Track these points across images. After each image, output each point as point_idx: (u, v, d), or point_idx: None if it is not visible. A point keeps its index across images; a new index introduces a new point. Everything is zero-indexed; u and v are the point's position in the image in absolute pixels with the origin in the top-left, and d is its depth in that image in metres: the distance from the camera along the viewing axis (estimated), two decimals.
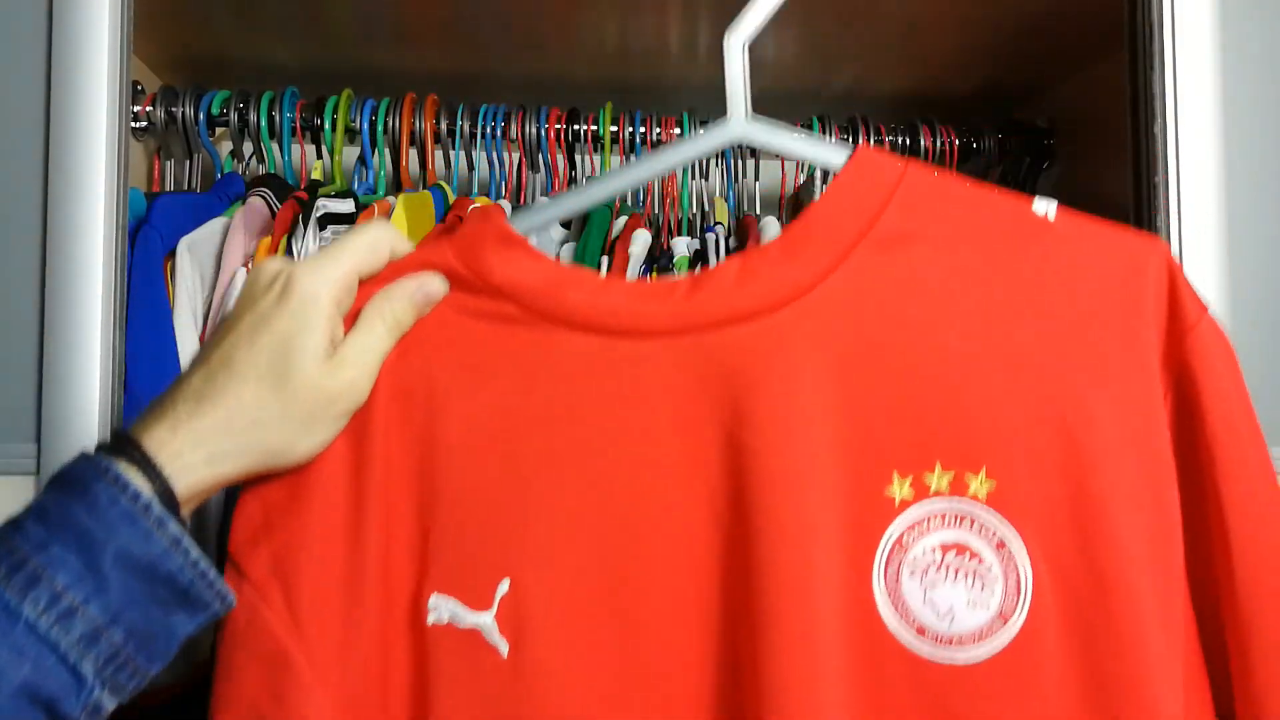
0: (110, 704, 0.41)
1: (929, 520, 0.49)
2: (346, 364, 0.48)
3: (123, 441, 0.44)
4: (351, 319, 0.50)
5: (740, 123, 0.54)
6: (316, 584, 0.48)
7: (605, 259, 0.85)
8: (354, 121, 1.03)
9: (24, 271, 0.71)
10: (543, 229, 0.51)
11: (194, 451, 0.44)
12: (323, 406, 0.47)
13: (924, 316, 0.50)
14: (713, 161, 1.08)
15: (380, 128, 1.03)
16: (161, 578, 0.42)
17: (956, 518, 0.49)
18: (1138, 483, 0.49)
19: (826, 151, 0.54)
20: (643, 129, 1.05)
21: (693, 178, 1.09)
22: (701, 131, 0.57)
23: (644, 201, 1.09)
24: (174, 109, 1.01)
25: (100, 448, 0.44)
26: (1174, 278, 0.50)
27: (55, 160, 0.70)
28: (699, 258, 0.89)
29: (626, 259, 0.85)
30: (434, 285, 0.51)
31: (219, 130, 1.03)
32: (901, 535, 0.49)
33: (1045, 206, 0.51)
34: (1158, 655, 0.48)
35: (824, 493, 0.48)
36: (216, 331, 0.49)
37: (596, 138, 1.06)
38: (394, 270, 0.52)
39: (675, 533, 0.50)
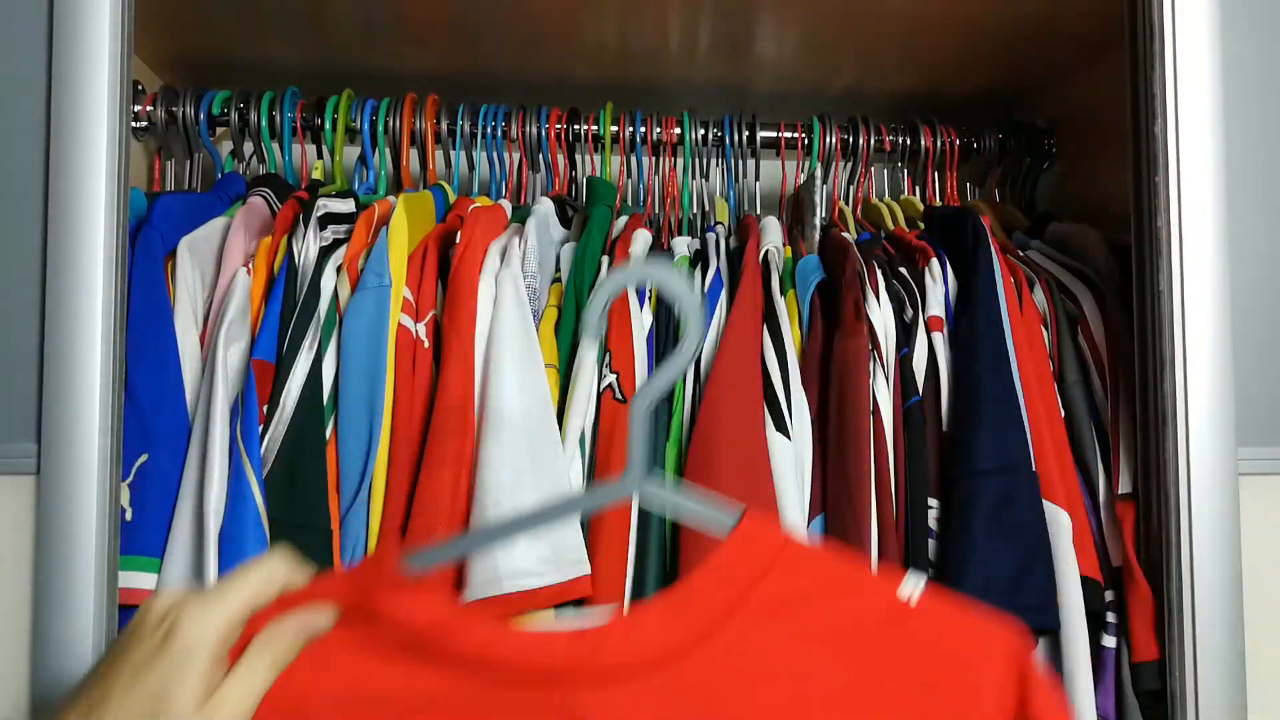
0: None
1: None
2: (222, 709, 0.49)
3: None
4: (236, 652, 0.51)
5: (637, 481, 0.54)
6: None
7: (605, 259, 0.85)
8: (354, 121, 1.03)
9: (25, 271, 0.71)
10: (441, 564, 0.52)
11: None
12: None
13: (786, 695, 0.51)
14: (713, 161, 1.08)
15: (381, 128, 1.03)
16: None
17: None
18: None
19: (714, 514, 0.55)
20: (643, 129, 1.05)
21: (693, 178, 1.09)
22: (599, 486, 0.58)
23: (644, 201, 1.09)
24: (175, 109, 1.01)
25: None
26: (1022, 670, 0.51)
27: (56, 160, 0.71)
28: (699, 257, 0.89)
29: (628, 259, 0.85)
30: (320, 623, 0.52)
31: (220, 130, 1.04)
32: None
33: (910, 589, 0.52)
34: None
35: None
36: (100, 664, 0.50)
37: (597, 138, 1.06)
38: (284, 603, 0.52)
39: None
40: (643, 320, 0.82)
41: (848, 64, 1.11)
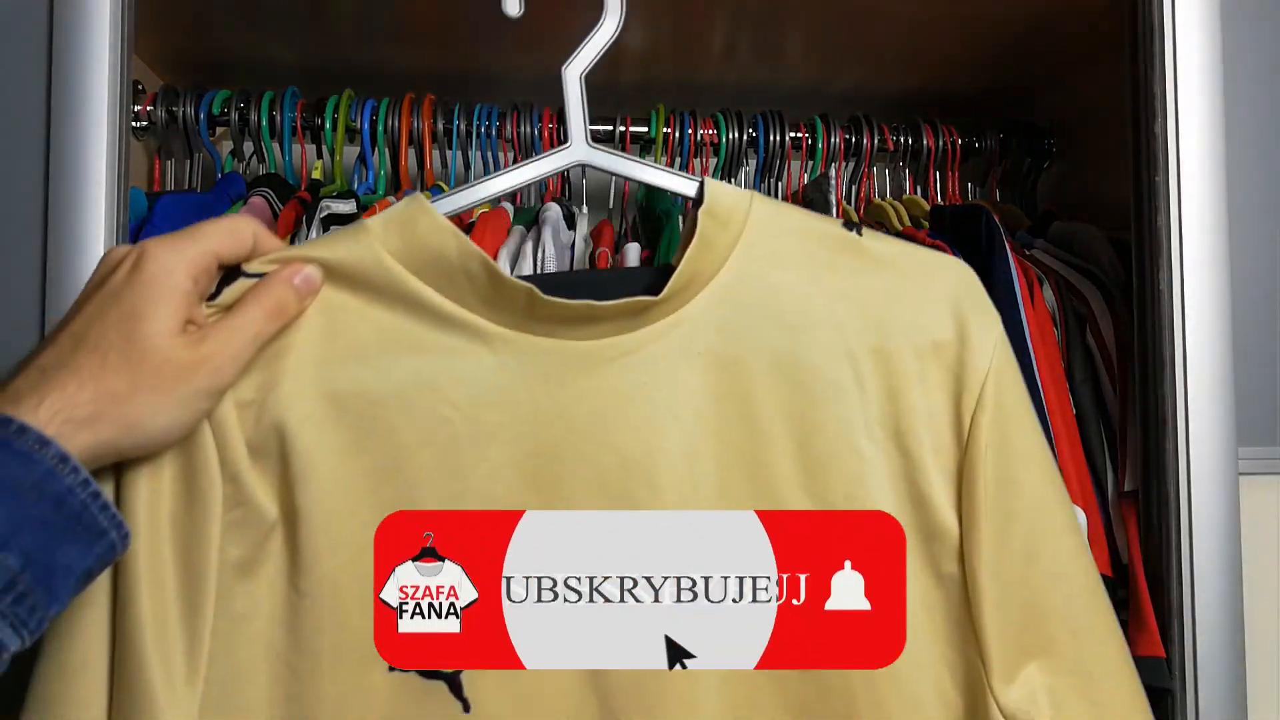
0: (12, 642, 0.41)
1: None
2: (208, 339, 0.48)
3: None
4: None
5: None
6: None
7: None
8: (354, 121, 1.03)
9: (25, 271, 0.71)
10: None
11: (52, 421, 0.43)
12: (178, 380, 0.47)
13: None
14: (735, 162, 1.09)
15: (380, 128, 1.02)
16: (49, 499, 0.42)
17: None
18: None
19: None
20: (669, 129, 1.05)
21: (721, 177, 1.08)
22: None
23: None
24: (175, 108, 1.01)
25: None
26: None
27: (56, 160, 0.71)
28: None
29: None
30: (311, 271, 0.52)
31: (220, 130, 1.03)
32: None
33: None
34: None
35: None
36: (68, 313, 0.48)
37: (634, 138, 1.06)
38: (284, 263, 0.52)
39: None
40: None
41: (850, 63, 1.11)
